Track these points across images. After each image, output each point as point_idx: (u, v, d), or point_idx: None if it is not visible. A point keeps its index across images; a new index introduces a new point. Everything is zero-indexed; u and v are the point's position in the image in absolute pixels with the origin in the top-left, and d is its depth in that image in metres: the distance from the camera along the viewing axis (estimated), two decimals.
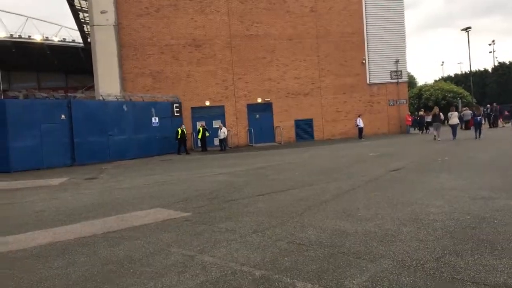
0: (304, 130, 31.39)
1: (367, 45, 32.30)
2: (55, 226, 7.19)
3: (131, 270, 4.66)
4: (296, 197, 8.66)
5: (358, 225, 6.06)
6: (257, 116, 30.55)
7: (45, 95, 23.30)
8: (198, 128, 27.54)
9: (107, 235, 6.35)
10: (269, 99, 30.62)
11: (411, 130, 34.55)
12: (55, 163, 20.37)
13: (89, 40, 39.76)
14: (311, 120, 31.51)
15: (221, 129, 27.03)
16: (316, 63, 31.43)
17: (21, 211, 8.88)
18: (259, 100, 30.46)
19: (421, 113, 36.31)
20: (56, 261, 5.17)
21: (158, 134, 25.61)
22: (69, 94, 25.33)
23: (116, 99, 24.90)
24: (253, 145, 29.37)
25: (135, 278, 4.41)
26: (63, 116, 20.96)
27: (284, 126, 30.67)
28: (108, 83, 27.74)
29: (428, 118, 31.83)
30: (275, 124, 30.81)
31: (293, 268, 4.42)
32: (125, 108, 23.91)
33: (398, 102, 33.12)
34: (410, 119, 34.01)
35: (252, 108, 30.47)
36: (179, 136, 25.30)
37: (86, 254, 5.41)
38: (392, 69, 32.75)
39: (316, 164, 15.23)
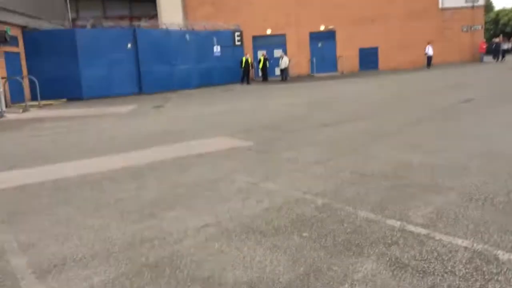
0: (369, 59, 30.22)
1: None
2: (127, 151, 7.63)
3: (199, 194, 4.90)
4: (359, 128, 8.55)
5: (424, 157, 5.93)
6: (320, 44, 29.68)
7: (112, 24, 23.78)
8: (259, 57, 27.29)
9: (176, 160, 6.66)
10: (332, 27, 29.49)
11: (485, 58, 32.28)
12: (124, 91, 21.24)
13: None
14: (376, 48, 30.19)
15: (282, 58, 26.62)
16: None
17: (95, 137, 9.46)
18: (322, 28, 29.42)
19: (497, 40, 33.64)
20: (130, 183, 5.53)
21: (220, 64, 25.72)
22: (133, 23, 25.70)
23: (179, 28, 24.99)
24: (315, 75, 28.84)
25: (203, 201, 4.64)
26: (129, 45, 21.48)
27: (347, 55, 29.67)
28: (170, 11, 27.75)
29: (505, 45, 29.50)
30: (338, 53, 29.85)
31: (356, 198, 4.46)
32: (187, 37, 24.03)
33: (472, 28, 30.78)
34: (484, 47, 31.65)
35: (315, 37, 29.57)
36: (243, 65, 25.25)
37: (157, 177, 5.73)
38: None
39: (381, 94, 14.79)
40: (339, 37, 29.71)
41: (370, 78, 22.96)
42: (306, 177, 5.37)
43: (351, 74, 27.82)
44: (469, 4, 30.26)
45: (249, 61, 25.71)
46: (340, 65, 29.69)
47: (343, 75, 27.56)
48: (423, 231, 3.54)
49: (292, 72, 28.79)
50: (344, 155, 6.39)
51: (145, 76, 22.07)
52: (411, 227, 3.62)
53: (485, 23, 39.11)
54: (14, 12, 19.35)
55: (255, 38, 29.05)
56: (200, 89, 23.06)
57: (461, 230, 3.50)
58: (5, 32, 17.97)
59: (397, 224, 3.71)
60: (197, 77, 24.47)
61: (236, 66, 25.72)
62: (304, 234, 3.61)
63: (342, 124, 9.18)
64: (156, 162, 6.61)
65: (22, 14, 20.17)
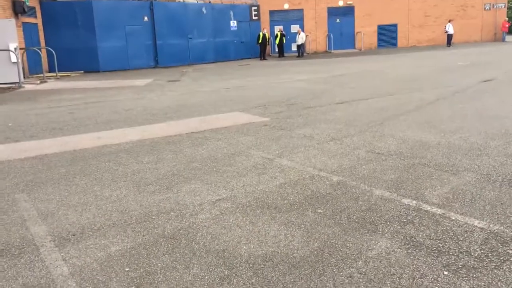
0: (387, 36, 29.64)
1: None
2: (143, 124, 7.69)
3: (215, 169, 4.93)
4: (376, 106, 8.46)
5: (441, 137, 5.87)
6: (338, 20, 29.17)
7: None
8: (275, 33, 26.96)
9: (191, 135, 6.69)
10: (351, 2, 28.91)
11: (508, 37, 31.42)
12: (140, 64, 21.25)
13: None
14: (395, 25, 29.55)
15: (299, 34, 26.27)
16: None
17: (111, 109, 9.52)
18: (341, 3, 28.86)
19: None
20: (146, 156, 5.59)
21: (236, 39, 25.52)
22: None
23: (196, 1, 24.74)
24: (332, 51, 28.46)
25: (219, 176, 4.68)
26: (146, 18, 21.38)
27: (365, 31, 29.15)
28: None
29: None
30: (356, 29, 29.32)
31: (371, 176, 4.45)
32: (204, 10, 23.80)
33: (495, 6, 29.91)
34: (507, 26, 30.78)
35: (333, 12, 29.04)
36: (260, 41, 24.99)
37: (173, 151, 5.78)
38: None
39: (399, 72, 14.56)
40: (357, 13, 29.13)
41: (388, 56, 22.59)
42: (321, 154, 5.36)
43: (369, 51, 27.38)
44: None
45: (266, 36, 25.41)
46: (358, 42, 29.22)
47: (361, 52, 27.14)
48: (438, 210, 3.53)
49: (309, 48, 28.44)
50: (360, 132, 6.34)
51: (161, 49, 22.02)
52: (426, 207, 3.61)
53: (508, 1, 37.93)
54: None
55: (272, 12, 28.64)
56: (216, 64, 22.96)
57: (477, 211, 3.48)
58: (24, 2, 18.00)
59: (413, 203, 3.71)
60: (213, 52, 24.35)
61: (253, 41, 25.49)
62: (319, 211, 3.63)
63: (359, 101, 9.09)
64: (171, 136, 6.65)
65: None
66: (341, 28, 29.23)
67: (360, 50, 28.63)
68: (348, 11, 29.11)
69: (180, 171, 4.91)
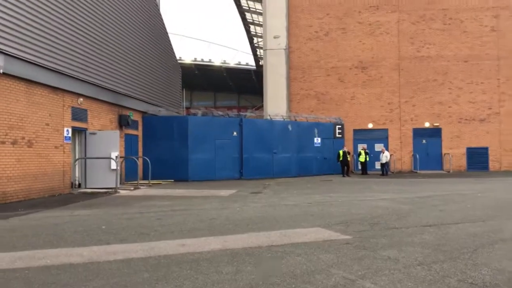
0: (477, 159, 28.55)
1: None
2: (225, 234, 7.83)
3: (293, 285, 4.82)
4: (467, 231, 7.95)
5: None
6: (424, 141, 28.91)
7: (220, 113, 25.61)
8: (359, 150, 27.20)
9: (271, 248, 6.67)
10: (438, 124, 28.76)
11: None
12: (225, 175, 22.22)
13: (261, 63, 42.65)
14: (486, 148, 28.55)
15: (383, 153, 26.25)
16: (496, 86, 28.54)
17: (196, 217, 9.86)
18: (427, 124, 28.83)
19: None
20: (226, 267, 5.62)
21: (319, 155, 26.07)
22: (240, 113, 27.38)
23: (282, 119, 26.09)
24: (418, 171, 27.82)
25: None
26: (235, 133, 22.78)
27: (453, 153, 28.44)
28: (275, 103, 29.26)
29: None
30: (444, 150, 28.73)
31: None
32: (289, 127, 24.91)
33: None
34: None
35: (418, 133, 28.97)
36: (340, 158, 25.32)
37: (252, 263, 5.77)
38: None
39: (491, 197, 13.75)
40: (445, 134, 28.78)
41: (479, 179, 21.57)
42: (407, 279, 5.05)
43: (458, 173, 26.40)
44: None
45: (347, 153, 25.62)
46: (446, 163, 28.43)
47: (449, 174, 26.24)
48: None
49: (393, 167, 28.11)
50: (450, 259, 5.94)
51: (246, 162, 22.99)
52: None
53: None
54: (137, 99, 21.77)
55: (356, 131, 29.23)
56: (299, 178, 23.31)
57: None
58: (128, 116, 20.18)
59: None
60: (296, 166, 24.93)
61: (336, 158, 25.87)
62: None
63: (448, 225, 8.62)
64: (252, 248, 6.68)
65: (143, 101, 22.60)
66: (427, 148, 28.85)
67: (449, 172, 27.72)
68: (434, 133, 28.88)
69: (259, 285, 4.85)
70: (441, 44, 28.82)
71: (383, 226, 8.54)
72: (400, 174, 27.12)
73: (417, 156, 28.34)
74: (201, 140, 21.88)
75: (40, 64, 13.89)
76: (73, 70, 15.77)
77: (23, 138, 13.30)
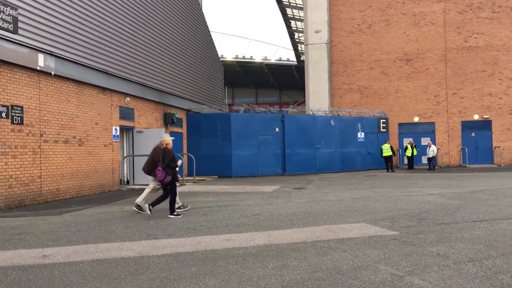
0: None
1: None
2: (269, 229, 7.89)
3: (340, 281, 4.80)
4: None
5: None
6: (473, 134, 27.91)
7: (262, 109, 25.69)
8: (405, 145, 26.60)
9: (316, 243, 6.67)
10: (488, 116, 27.68)
11: None
12: (268, 171, 22.31)
13: (302, 58, 42.48)
14: None
15: (430, 147, 25.53)
16: None
17: (241, 213, 9.98)
18: (476, 117, 27.81)
19: None
20: (271, 261, 5.67)
21: (363, 149, 25.68)
22: (282, 109, 27.38)
23: (325, 114, 25.88)
24: (467, 165, 26.91)
25: None
26: (277, 129, 22.80)
27: (505, 146, 27.31)
28: (317, 98, 29.08)
29: None
30: (494, 144, 27.63)
31: None
32: (332, 122, 24.67)
33: None
34: None
35: (467, 126, 28.00)
36: (383, 153, 24.85)
37: (297, 259, 5.79)
38: None
39: None
40: (495, 127, 27.67)
41: None
42: (458, 275, 4.93)
43: (510, 167, 25.31)
44: None
45: (390, 148, 25.00)
46: (497, 157, 27.34)
47: (501, 168, 25.21)
48: None
49: (441, 161, 27.32)
50: (503, 255, 5.73)
51: (289, 158, 22.98)
52: None
53: None
54: (181, 97, 22.20)
55: (401, 125, 28.61)
56: (342, 174, 23.07)
57: None
58: (173, 114, 20.62)
59: None
60: (339, 162, 24.68)
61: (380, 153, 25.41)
62: None
63: (501, 220, 8.31)
64: (296, 243, 6.70)
65: (187, 99, 23.02)
66: (476, 142, 27.84)
67: (500, 165, 26.64)
68: (484, 125, 27.82)
69: (305, 280, 4.87)
70: (490, 33, 27.69)
71: (431, 222, 8.34)
72: (448, 168, 26.31)
73: (466, 149, 27.42)
74: (243, 136, 22.05)
75: (90, 66, 14.42)
76: (120, 71, 16.28)
77: (74, 137, 13.87)
